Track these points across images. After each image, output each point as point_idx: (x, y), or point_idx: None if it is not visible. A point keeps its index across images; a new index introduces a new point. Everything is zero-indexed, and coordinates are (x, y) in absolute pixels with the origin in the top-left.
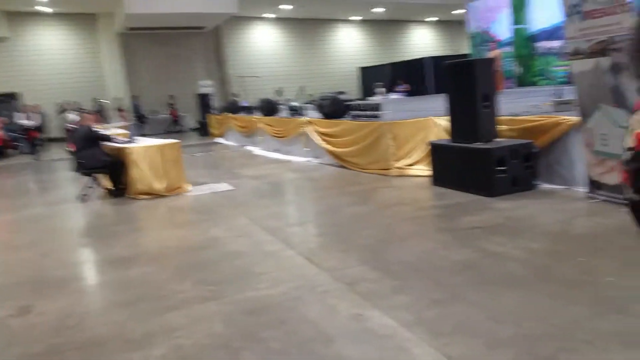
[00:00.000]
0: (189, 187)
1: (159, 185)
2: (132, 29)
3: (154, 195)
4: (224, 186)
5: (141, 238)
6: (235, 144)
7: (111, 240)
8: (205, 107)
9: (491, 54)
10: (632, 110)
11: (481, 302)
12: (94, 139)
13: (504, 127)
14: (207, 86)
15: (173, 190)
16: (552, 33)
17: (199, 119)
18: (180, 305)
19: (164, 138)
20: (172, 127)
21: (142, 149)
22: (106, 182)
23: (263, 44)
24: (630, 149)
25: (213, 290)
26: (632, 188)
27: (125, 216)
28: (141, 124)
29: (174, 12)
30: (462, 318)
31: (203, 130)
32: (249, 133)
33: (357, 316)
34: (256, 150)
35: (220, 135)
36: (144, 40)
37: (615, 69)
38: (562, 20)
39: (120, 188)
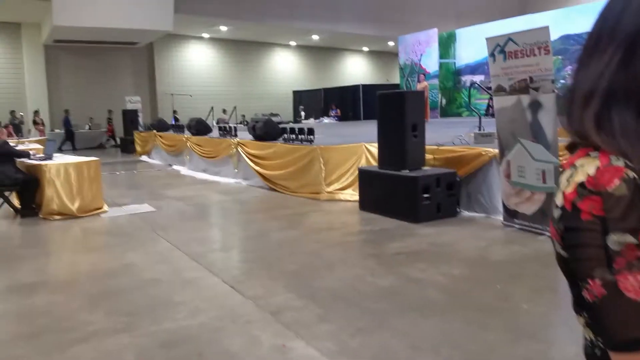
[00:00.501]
0: (107, 208)
1: (73, 206)
2: (58, 41)
3: (68, 216)
4: (145, 207)
5: (50, 263)
6: (161, 163)
7: (16, 264)
8: (131, 123)
9: (419, 86)
10: (560, 167)
11: (403, 330)
12: (7, 155)
13: (429, 156)
14: (134, 102)
15: (89, 211)
16: (475, 68)
17: (125, 135)
18: (89, 338)
19: (90, 154)
20: (107, 143)
21: (59, 166)
22: (17, 201)
23: (197, 63)
24: (558, 207)
25: (126, 321)
26: (560, 245)
27: (34, 238)
28: (68, 139)
29: (106, 27)
30: (384, 347)
31: (128, 147)
32: (177, 152)
33: (280, 347)
34: (183, 170)
35: (146, 153)
36: (71, 53)
37: (534, 106)
38: (485, 57)
39: (32, 208)
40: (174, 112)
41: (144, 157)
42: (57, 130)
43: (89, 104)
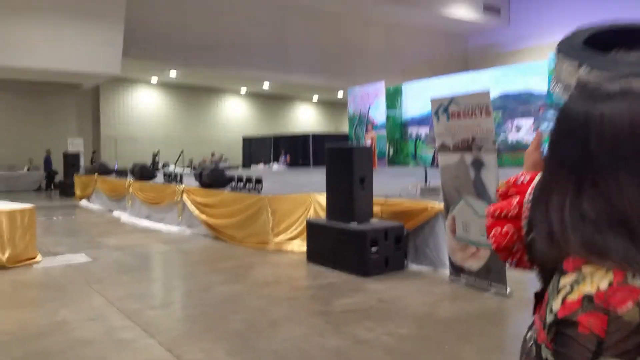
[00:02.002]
0: (40, 258)
1: (3, 256)
2: None
3: None
4: (81, 257)
5: None
6: (101, 208)
7: None
8: (72, 166)
9: (367, 136)
10: (562, 270)
11: None
12: None
13: (377, 208)
14: (76, 144)
15: (20, 261)
16: (421, 121)
17: (64, 178)
18: None
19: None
20: (47, 184)
21: None
22: None
23: (145, 106)
24: (553, 312)
25: None
26: (550, 350)
27: None
28: (49, 180)
29: (49, 68)
30: None
31: (67, 190)
32: (118, 197)
33: None
34: (124, 217)
35: (85, 198)
36: (9, 91)
37: (477, 164)
38: (430, 111)
39: None
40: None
41: (83, 202)
42: None
43: (28, 145)
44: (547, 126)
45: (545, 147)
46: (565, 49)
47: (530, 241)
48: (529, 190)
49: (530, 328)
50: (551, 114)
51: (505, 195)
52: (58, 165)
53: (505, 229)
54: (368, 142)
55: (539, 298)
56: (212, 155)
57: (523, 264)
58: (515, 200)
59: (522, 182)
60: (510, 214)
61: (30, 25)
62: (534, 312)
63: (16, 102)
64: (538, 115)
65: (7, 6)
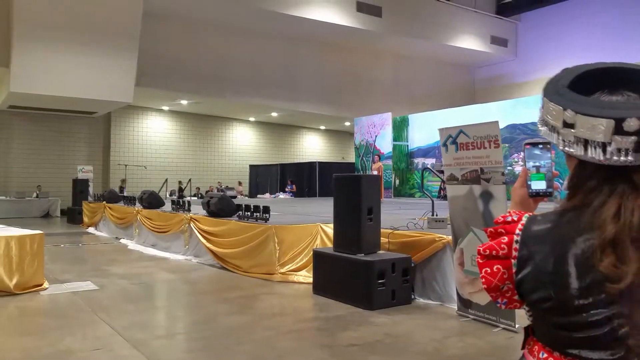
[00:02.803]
0: (47, 285)
1: (11, 282)
2: (13, 107)
3: (3, 292)
4: (87, 285)
5: None
6: (108, 236)
7: None
8: (80, 193)
9: (374, 166)
10: None
11: None
12: None
13: (384, 239)
14: (86, 172)
15: (28, 288)
16: (427, 152)
17: (73, 205)
18: None
19: (35, 224)
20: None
21: None
22: None
23: (155, 134)
24: None
25: None
26: None
27: None
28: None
29: (64, 96)
30: None
31: (75, 218)
32: (125, 225)
33: None
34: (131, 245)
35: (93, 225)
36: (25, 119)
37: (485, 196)
38: (437, 141)
39: None
40: (122, 181)
41: (91, 229)
42: (2, 197)
43: (38, 171)
44: (532, 164)
45: (530, 184)
46: (551, 92)
47: (520, 280)
48: (517, 230)
49: None
50: (537, 153)
51: (494, 235)
52: (63, 192)
53: (494, 268)
54: (375, 173)
55: (528, 333)
56: (219, 184)
57: (513, 303)
58: (504, 239)
59: (511, 220)
60: (499, 254)
61: (49, 55)
62: (523, 347)
63: (30, 130)
64: (523, 152)
65: (26, 36)
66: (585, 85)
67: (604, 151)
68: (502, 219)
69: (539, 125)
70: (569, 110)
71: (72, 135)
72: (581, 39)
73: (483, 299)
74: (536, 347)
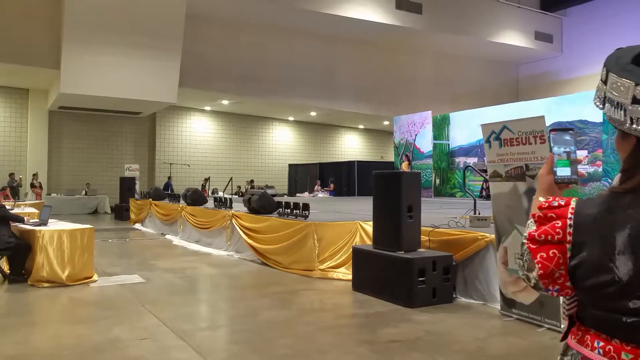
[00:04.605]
0: (96, 277)
1: (64, 274)
2: (63, 107)
3: (56, 284)
4: (134, 278)
5: (34, 334)
6: (153, 232)
7: None
8: (127, 191)
9: (402, 166)
10: None
11: None
12: (2, 219)
13: (424, 237)
14: (133, 170)
15: (78, 280)
16: (469, 150)
17: (119, 202)
18: None
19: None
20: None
21: (52, 233)
22: (6, 266)
23: (197, 133)
24: None
25: None
26: None
27: (19, 307)
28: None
29: (112, 97)
30: None
31: (122, 214)
32: (170, 221)
33: None
34: (175, 240)
35: (140, 222)
36: (74, 119)
37: (530, 193)
38: (478, 140)
39: (22, 274)
40: (169, 177)
41: (137, 225)
42: (53, 195)
43: (87, 169)
44: (557, 150)
45: (556, 170)
46: (616, 68)
47: (574, 265)
48: (569, 214)
49: (564, 354)
50: (563, 138)
51: (543, 220)
52: (111, 190)
53: (550, 253)
54: None
55: (574, 322)
56: (251, 182)
57: (564, 290)
58: (558, 224)
59: (558, 205)
60: (555, 238)
61: (97, 57)
62: (565, 337)
63: (79, 130)
64: (548, 139)
65: (75, 39)
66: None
67: None
68: (546, 203)
69: (598, 104)
70: None
71: (119, 134)
72: (629, 34)
73: (527, 298)
74: (588, 336)
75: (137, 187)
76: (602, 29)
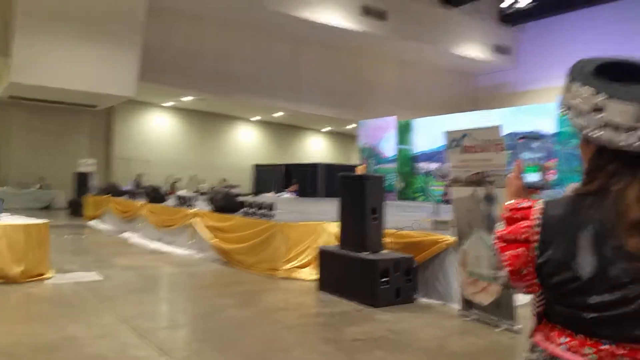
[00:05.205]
0: (52, 274)
1: (16, 269)
2: (13, 97)
3: (8, 280)
4: (92, 275)
5: None
6: (111, 229)
7: None
8: (83, 186)
9: (359, 169)
10: None
11: None
12: None
13: (388, 239)
14: (89, 165)
15: (33, 277)
16: (431, 156)
17: (75, 197)
18: None
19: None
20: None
21: (5, 227)
22: None
23: (158, 129)
24: None
25: None
26: None
27: None
28: None
29: (67, 88)
30: None
31: (77, 210)
32: (129, 219)
33: None
34: (134, 238)
35: (96, 218)
36: (26, 110)
37: (489, 198)
38: (440, 146)
39: None
40: (138, 175)
41: (94, 222)
42: (3, 188)
43: (40, 162)
44: (525, 156)
45: (525, 175)
46: (579, 77)
47: (541, 263)
48: (536, 214)
49: (532, 350)
50: (531, 145)
51: (511, 220)
52: (65, 185)
53: (518, 251)
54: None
55: (541, 319)
56: (224, 181)
57: (532, 287)
58: (524, 224)
59: (526, 206)
60: (521, 237)
61: (51, 46)
62: (532, 335)
63: (31, 121)
64: (517, 145)
65: (29, 27)
66: (604, 76)
67: (630, 136)
68: (514, 205)
69: (563, 110)
70: (601, 94)
71: (73, 128)
72: (581, 50)
73: (485, 299)
74: (554, 332)
75: (94, 182)
76: (557, 44)
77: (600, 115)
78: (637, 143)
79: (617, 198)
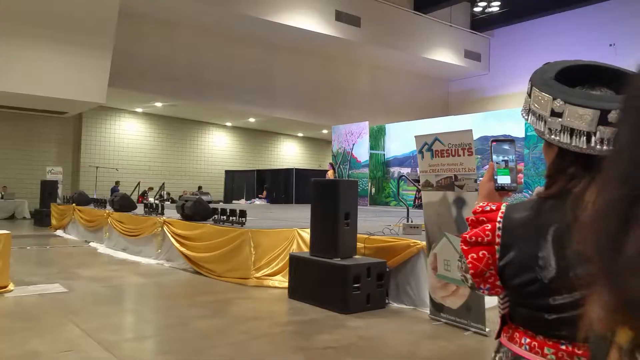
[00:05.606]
0: (12, 287)
1: None
2: None
3: None
4: (55, 287)
5: None
6: (77, 239)
7: None
8: (49, 195)
9: (328, 173)
10: None
11: None
12: None
13: (360, 244)
14: (55, 173)
15: None
16: (403, 161)
17: (40, 207)
18: None
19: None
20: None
21: None
22: None
23: (127, 136)
24: None
25: None
26: None
27: None
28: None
29: (37, 95)
30: None
31: (42, 220)
32: (95, 228)
33: None
34: (100, 248)
35: (61, 228)
36: None
37: (459, 202)
38: (412, 151)
39: None
40: (116, 183)
41: (59, 232)
42: None
43: (4, 171)
44: (497, 158)
45: (497, 178)
46: (539, 82)
47: (503, 265)
48: (498, 217)
49: (497, 351)
50: (503, 148)
51: (475, 223)
52: (31, 194)
53: (480, 254)
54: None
55: (505, 321)
56: (199, 189)
57: (495, 289)
58: (488, 227)
59: (490, 210)
60: (484, 240)
61: (20, 53)
62: (498, 336)
63: None
64: (489, 148)
65: None
66: (567, 80)
67: (588, 140)
68: (480, 208)
69: (524, 114)
70: (558, 99)
71: (41, 135)
72: (553, 56)
73: (455, 302)
74: (517, 333)
75: (60, 191)
76: (528, 50)
77: (558, 120)
78: (597, 147)
79: (576, 200)
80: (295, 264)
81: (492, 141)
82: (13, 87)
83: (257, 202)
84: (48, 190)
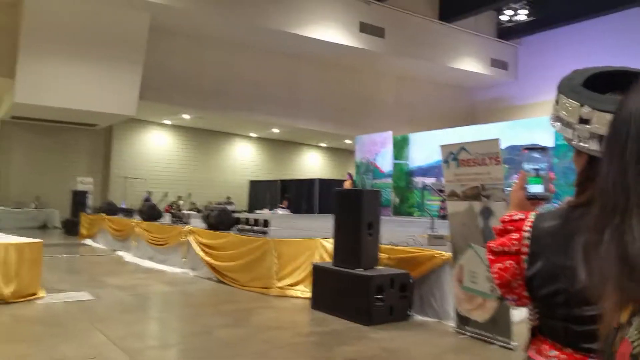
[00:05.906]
0: (43, 294)
1: (8, 289)
2: (16, 117)
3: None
4: (83, 295)
5: None
6: (105, 248)
7: None
8: (79, 205)
9: (346, 183)
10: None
11: None
12: None
13: (383, 255)
14: (86, 183)
15: (24, 296)
16: (427, 171)
17: (70, 216)
18: None
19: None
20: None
21: None
22: None
23: (156, 147)
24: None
25: None
26: None
27: None
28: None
29: (68, 108)
30: None
31: (72, 229)
32: (123, 237)
33: None
34: (128, 257)
35: (91, 237)
36: (27, 130)
37: (485, 213)
38: (437, 160)
39: None
40: (148, 192)
41: (88, 241)
42: (1, 208)
43: (38, 182)
44: (528, 167)
45: (528, 187)
46: (566, 90)
47: (531, 276)
48: (526, 227)
49: None
50: (535, 156)
51: (503, 232)
52: (61, 204)
53: (506, 264)
54: None
55: (535, 333)
56: (228, 199)
57: (522, 299)
58: (514, 236)
59: (518, 219)
60: (511, 250)
61: (54, 67)
62: (526, 348)
63: (31, 141)
64: (522, 156)
65: (33, 48)
66: (596, 86)
67: None
68: (508, 217)
69: (552, 122)
70: (586, 106)
71: (72, 146)
72: (577, 64)
73: (481, 316)
74: (544, 346)
75: (90, 201)
76: (555, 58)
77: (587, 127)
78: None
79: None
80: (318, 274)
81: (524, 149)
82: (50, 101)
83: (280, 211)
84: (78, 200)
